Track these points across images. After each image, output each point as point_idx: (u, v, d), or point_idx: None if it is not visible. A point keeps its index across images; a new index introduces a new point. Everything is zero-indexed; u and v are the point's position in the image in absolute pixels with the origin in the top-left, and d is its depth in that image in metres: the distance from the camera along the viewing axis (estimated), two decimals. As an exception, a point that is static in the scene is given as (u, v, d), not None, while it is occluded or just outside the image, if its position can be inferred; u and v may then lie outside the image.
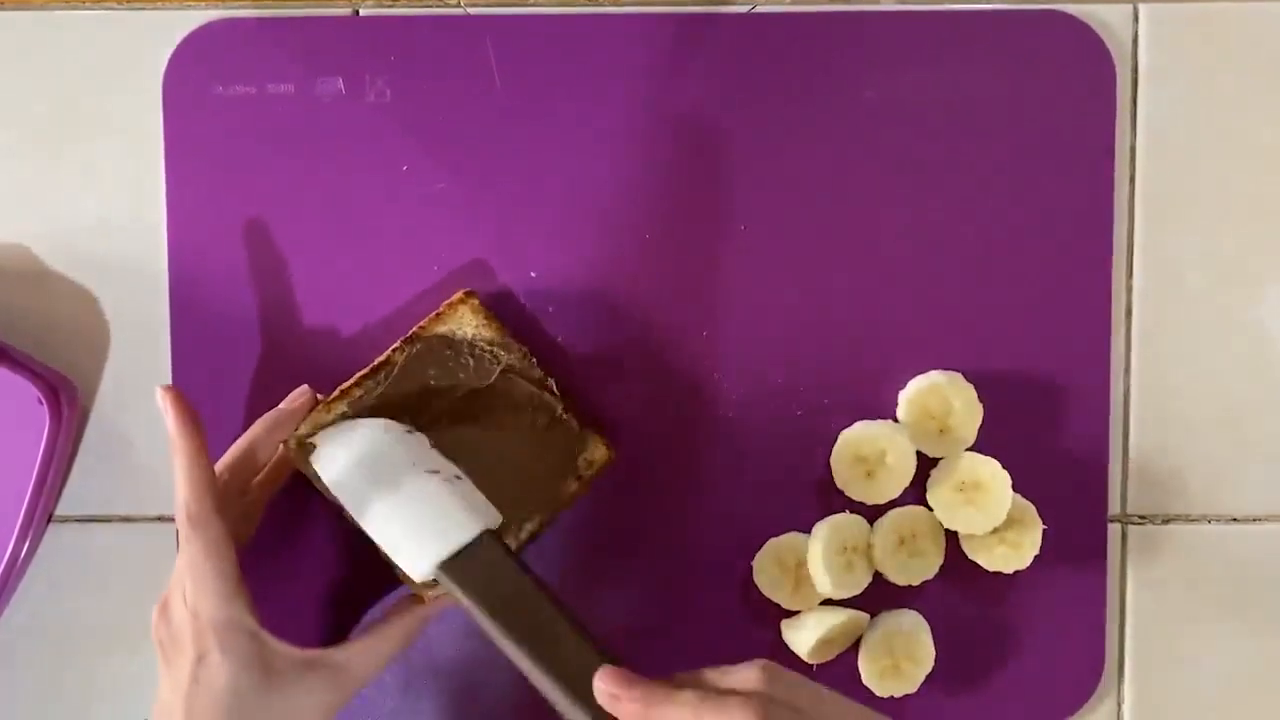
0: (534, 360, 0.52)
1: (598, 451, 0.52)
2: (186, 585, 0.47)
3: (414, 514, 0.46)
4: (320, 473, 0.49)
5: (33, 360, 0.54)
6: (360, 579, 0.55)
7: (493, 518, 0.47)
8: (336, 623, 0.55)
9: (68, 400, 0.54)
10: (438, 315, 0.52)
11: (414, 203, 0.54)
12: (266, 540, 0.53)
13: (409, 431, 0.50)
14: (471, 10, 0.55)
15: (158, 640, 0.48)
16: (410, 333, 0.52)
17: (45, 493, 0.54)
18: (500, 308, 0.54)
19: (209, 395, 0.54)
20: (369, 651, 0.49)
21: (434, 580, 0.47)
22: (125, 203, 0.55)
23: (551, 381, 0.52)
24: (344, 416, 0.50)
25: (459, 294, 0.52)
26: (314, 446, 0.49)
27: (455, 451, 0.50)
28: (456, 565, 0.45)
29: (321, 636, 0.54)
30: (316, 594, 0.55)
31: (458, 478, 0.48)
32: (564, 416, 0.52)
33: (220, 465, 0.50)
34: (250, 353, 0.55)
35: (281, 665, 0.47)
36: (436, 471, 0.48)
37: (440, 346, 0.51)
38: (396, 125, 0.54)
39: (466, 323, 0.52)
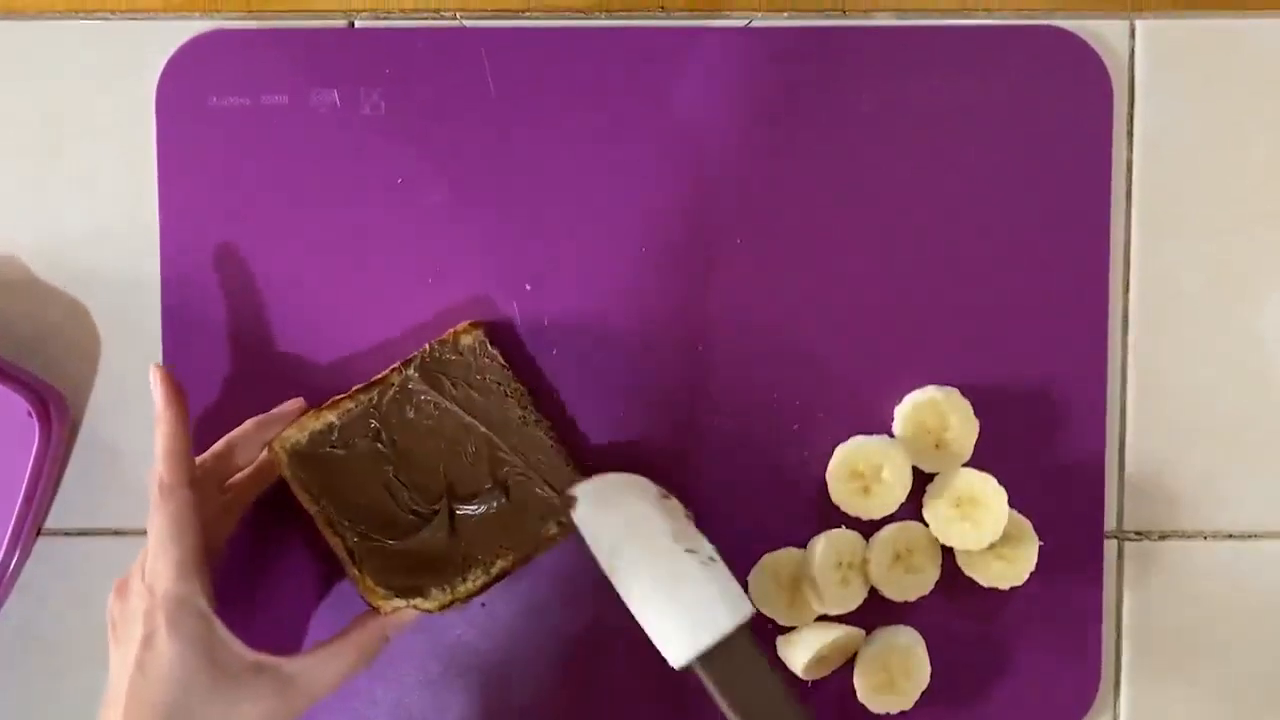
0: (533, 402, 0.52)
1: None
2: (146, 558, 0.46)
3: (674, 595, 0.45)
4: (581, 527, 0.47)
5: (23, 372, 0.54)
6: (333, 590, 0.55)
7: (746, 609, 0.45)
8: (308, 634, 0.55)
9: (57, 413, 0.54)
10: (441, 342, 0.52)
11: (408, 215, 0.54)
12: (241, 547, 0.53)
13: (665, 496, 0.49)
14: (467, 23, 0.55)
15: (110, 619, 0.47)
16: (412, 355, 0.52)
17: (34, 505, 0.53)
18: (494, 317, 0.53)
19: (201, 408, 0.54)
20: (323, 665, 0.48)
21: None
22: (118, 213, 0.55)
23: (546, 424, 0.52)
24: (332, 426, 0.51)
25: (464, 324, 0.52)
26: (573, 499, 0.48)
27: (435, 477, 0.51)
28: (710, 656, 0.44)
29: (292, 647, 0.54)
30: (289, 603, 0.55)
31: (712, 559, 0.46)
32: (555, 459, 0.51)
33: (205, 453, 0.51)
34: (242, 365, 0.54)
35: (230, 663, 0.45)
36: (694, 551, 0.46)
37: (438, 373, 0.51)
38: (391, 138, 0.54)
39: (468, 353, 0.52)
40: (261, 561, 0.54)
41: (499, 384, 0.52)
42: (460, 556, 0.50)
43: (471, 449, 0.51)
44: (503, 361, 0.52)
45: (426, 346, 0.52)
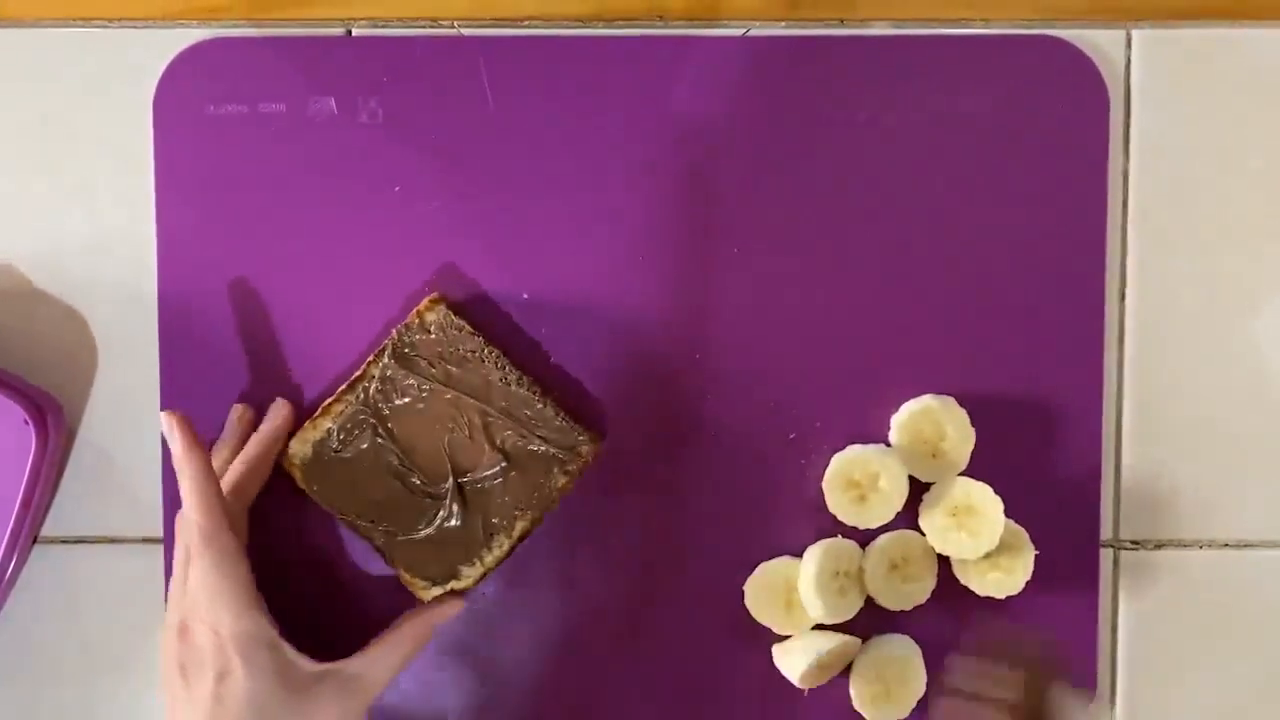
0: (508, 361, 0.52)
1: (583, 445, 0.52)
2: (201, 603, 0.47)
3: None
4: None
5: (19, 380, 0.54)
6: (368, 587, 0.55)
7: None
8: (345, 629, 0.55)
9: (54, 421, 0.54)
10: (406, 325, 0.52)
11: (406, 223, 0.54)
12: (275, 553, 0.54)
13: None
14: (465, 31, 0.55)
15: (178, 664, 0.48)
16: (383, 344, 0.52)
17: (31, 514, 0.53)
18: (492, 327, 0.53)
19: (199, 417, 0.53)
20: (381, 660, 0.50)
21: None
22: (115, 222, 0.55)
23: (527, 379, 0.52)
24: (330, 432, 0.52)
25: (426, 301, 0.52)
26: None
27: (438, 457, 0.52)
28: None
29: (332, 643, 0.54)
30: (327, 603, 0.55)
31: None
32: (544, 412, 0.52)
33: (226, 492, 0.51)
34: (240, 374, 0.54)
35: (301, 679, 0.48)
36: None
37: (412, 356, 0.52)
38: (389, 146, 0.54)
39: (437, 330, 0.52)
40: (300, 565, 0.54)
41: (473, 352, 0.52)
42: (481, 528, 0.52)
43: (464, 421, 0.52)
44: (471, 329, 0.52)
45: (394, 332, 0.52)
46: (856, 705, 0.53)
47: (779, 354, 0.54)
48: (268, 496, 0.53)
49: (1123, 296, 0.55)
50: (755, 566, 0.54)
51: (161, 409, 0.54)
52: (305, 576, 0.55)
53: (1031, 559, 0.53)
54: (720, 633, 0.55)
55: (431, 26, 0.55)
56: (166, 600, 0.51)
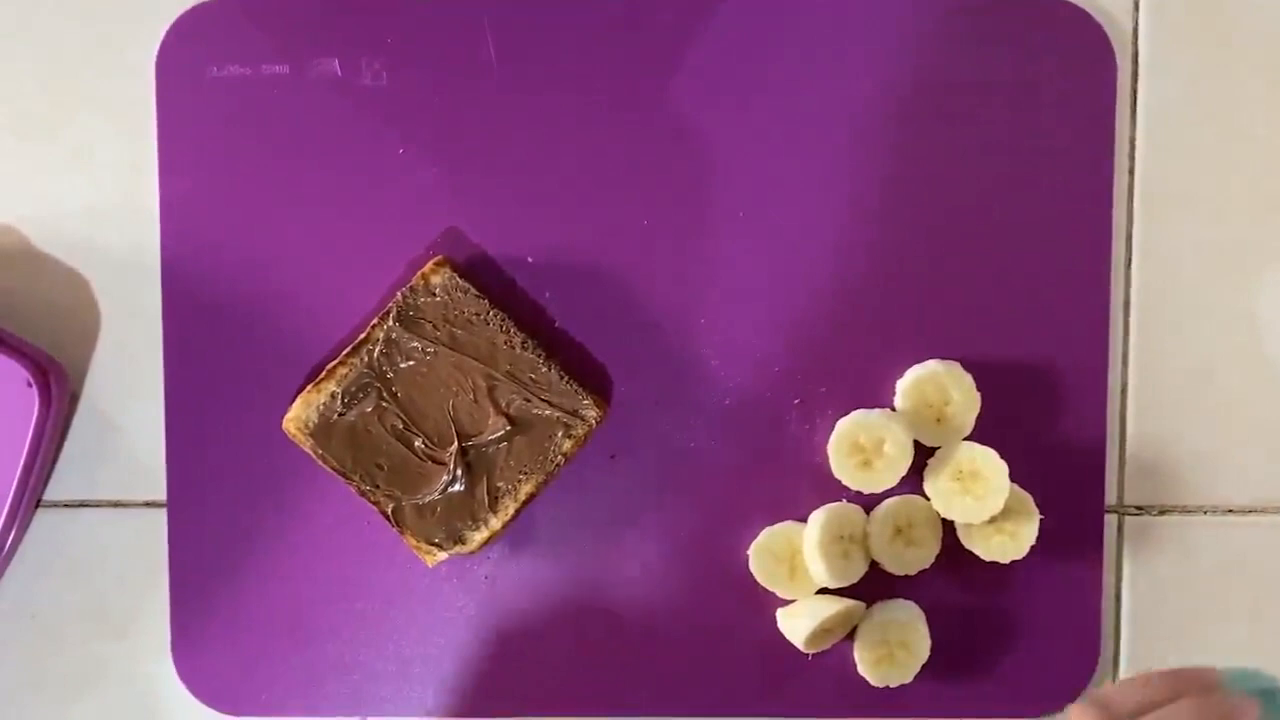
0: (513, 324, 0.52)
1: (588, 409, 0.52)
2: None
3: None
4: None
5: (22, 342, 0.53)
6: (377, 552, 0.55)
7: None
8: (357, 597, 0.55)
9: (57, 383, 0.53)
10: (411, 288, 0.52)
11: (410, 185, 0.54)
12: (286, 522, 0.54)
13: None
14: (469, -8, 0.54)
15: None
16: (388, 307, 0.52)
17: (33, 477, 0.53)
18: (497, 290, 0.53)
19: (201, 380, 0.54)
20: None
21: None
22: (117, 184, 0.55)
23: (532, 342, 0.52)
24: (335, 395, 0.52)
25: (430, 264, 0.52)
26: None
27: (443, 420, 0.52)
28: None
29: (345, 612, 0.55)
30: (339, 569, 0.55)
31: None
32: (549, 375, 0.52)
33: None
34: (243, 337, 0.54)
35: None
36: None
37: (417, 318, 0.52)
38: (392, 107, 0.54)
39: (442, 292, 0.52)
40: (298, 535, 0.55)
41: (478, 314, 0.52)
42: (486, 492, 0.52)
43: (469, 384, 0.52)
44: (476, 292, 0.52)
45: (399, 294, 0.52)
46: (860, 670, 0.53)
47: (784, 318, 0.54)
48: (273, 466, 0.54)
49: (1129, 263, 0.55)
50: (759, 531, 0.54)
51: (164, 372, 0.54)
52: (317, 543, 0.55)
53: (1036, 524, 0.53)
54: (724, 597, 0.55)
55: (435, -12, 0.55)
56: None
